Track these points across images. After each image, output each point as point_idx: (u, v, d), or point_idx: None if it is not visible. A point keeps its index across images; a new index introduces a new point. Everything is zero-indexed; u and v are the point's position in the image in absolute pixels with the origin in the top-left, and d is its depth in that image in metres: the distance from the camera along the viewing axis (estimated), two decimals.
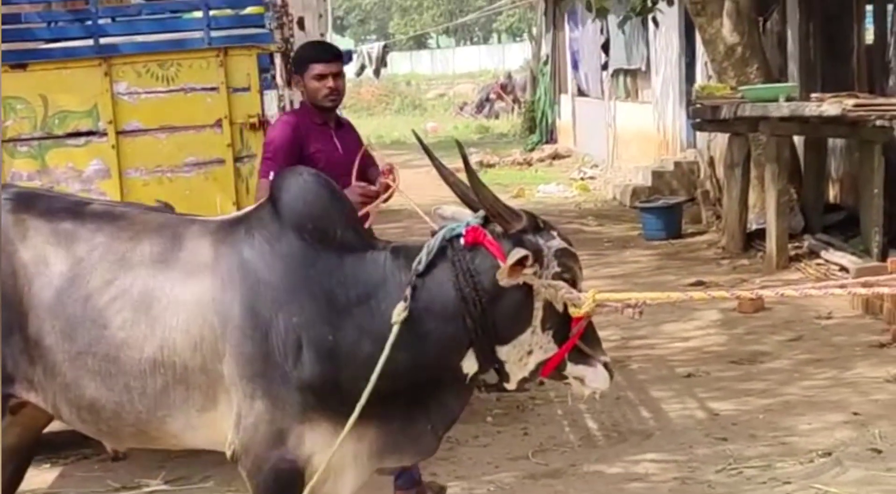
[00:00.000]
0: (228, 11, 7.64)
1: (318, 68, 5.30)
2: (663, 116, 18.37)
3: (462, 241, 3.80)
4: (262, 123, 5.95)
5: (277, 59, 5.97)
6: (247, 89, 5.99)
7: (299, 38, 6.34)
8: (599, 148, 21.59)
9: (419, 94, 47.84)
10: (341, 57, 5.48)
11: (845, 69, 13.19)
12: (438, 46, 70.74)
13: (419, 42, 67.15)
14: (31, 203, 4.06)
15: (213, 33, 6.88)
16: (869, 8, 13.22)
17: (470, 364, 3.86)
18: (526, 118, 28.39)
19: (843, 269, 10.58)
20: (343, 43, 60.18)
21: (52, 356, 3.86)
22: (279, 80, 5.99)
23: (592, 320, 3.98)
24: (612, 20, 19.30)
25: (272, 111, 5.99)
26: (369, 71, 25.47)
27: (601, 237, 14.13)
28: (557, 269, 3.83)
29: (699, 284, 10.81)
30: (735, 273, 11.40)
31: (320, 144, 5.26)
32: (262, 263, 3.79)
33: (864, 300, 9.33)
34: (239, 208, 5.93)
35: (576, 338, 3.89)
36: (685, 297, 4.25)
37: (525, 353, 3.85)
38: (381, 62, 25.06)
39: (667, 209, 13.98)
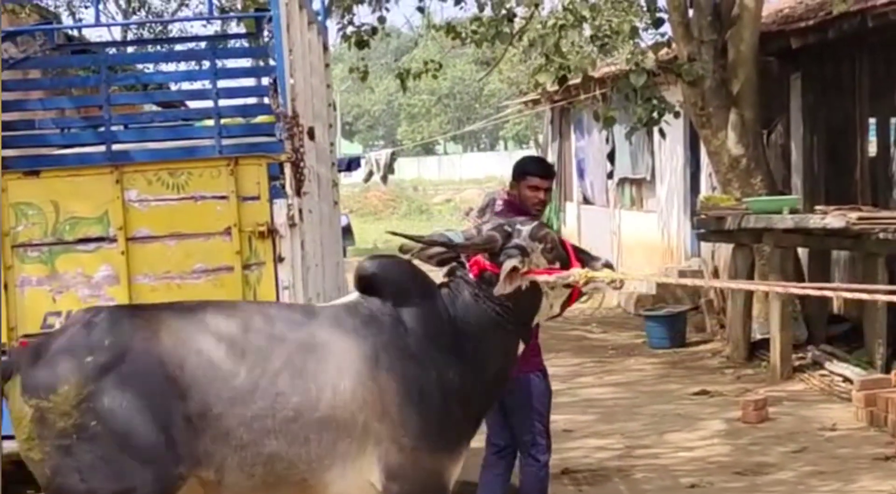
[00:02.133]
0: (240, 120, 7.81)
1: (534, 181, 6.32)
2: (668, 225, 18.45)
3: (470, 274, 4.71)
4: (272, 232, 6.01)
5: (287, 169, 6.01)
6: (256, 198, 6.05)
7: (309, 149, 6.41)
8: (604, 256, 21.53)
9: (426, 199, 48.03)
10: (554, 175, 6.51)
11: (849, 182, 13.32)
12: (446, 153, 71.22)
13: (426, 148, 67.59)
14: (136, 307, 4.84)
15: (224, 141, 7.01)
16: (872, 121, 13.40)
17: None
18: None
19: (847, 380, 10.59)
20: (351, 148, 60.63)
21: (225, 422, 4.38)
22: (288, 189, 6.02)
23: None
24: (618, 130, 19.50)
25: (281, 219, 6.03)
26: (377, 177, 25.60)
27: (606, 345, 14.14)
28: (539, 246, 4.73)
29: (704, 393, 10.82)
30: (739, 383, 11.40)
31: None
32: (398, 336, 4.58)
33: (869, 413, 9.32)
34: None
35: (579, 289, 4.85)
36: (669, 280, 4.63)
37: (548, 309, 4.85)
38: (389, 169, 25.20)
39: (671, 318, 14.02)
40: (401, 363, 4.56)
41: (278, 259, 6.01)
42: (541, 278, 4.68)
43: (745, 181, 13.00)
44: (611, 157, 21.27)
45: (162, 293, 5.98)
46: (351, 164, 17.29)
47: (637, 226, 19.95)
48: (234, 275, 6.02)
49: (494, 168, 57.51)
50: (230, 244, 6.03)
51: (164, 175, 6.07)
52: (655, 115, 11.89)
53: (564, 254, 4.84)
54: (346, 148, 59.55)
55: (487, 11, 12.96)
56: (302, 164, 6.03)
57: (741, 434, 9.34)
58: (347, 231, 9.28)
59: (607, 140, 21.22)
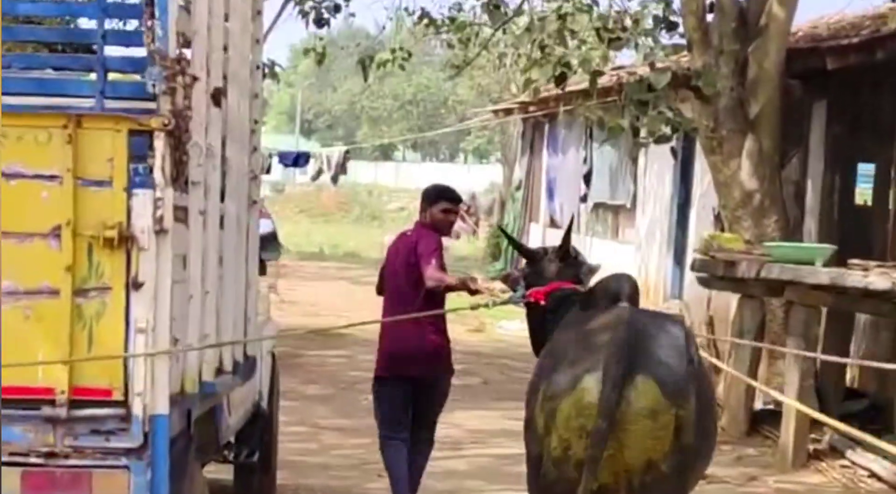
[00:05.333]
0: (136, 78, 5.55)
1: (446, 205, 7.10)
2: (646, 261, 16.86)
3: None
4: (126, 240, 3.78)
5: (159, 141, 3.76)
6: (107, 184, 3.83)
7: (209, 119, 4.23)
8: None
9: (380, 205, 46.80)
10: (461, 200, 7.38)
11: (873, 233, 11.37)
12: (404, 159, 69.94)
13: (385, 153, 66.22)
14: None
15: (109, 103, 4.70)
16: None
17: None
18: (490, 244, 26.63)
19: (874, 475, 8.62)
20: (308, 146, 58.90)
21: None
22: (158, 173, 3.76)
23: None
24: (598, 151, 17.79)
25: (144, 221, 3.79)
26: (327, 176, 23.47)
27: None
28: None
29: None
30: (741, 465, 9.41)
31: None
32: None
33: None
34: (71, 370, 3.81)
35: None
36: None
37: None
38: (341, 169, 23.06)
39: None
40: None
41: (133, 284, 3.77)
42: None
43: (758, 221, 11.06)
44: (587, 179, 19.56)
45: None
46: (299, 159, 15.33)
47: (611, 258, 17.95)
48: (59, 303, 3.79)
49: (452, 180, 55.72)
50: (58, 254, 3.80)
51: None
52: (668, 130, 9.79)
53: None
54: (303, 146, 57.95)
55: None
56: (187, 135, 3.82)
57: None
58: (270, 240, 6.96)
59: (584, 160, 19.55)
